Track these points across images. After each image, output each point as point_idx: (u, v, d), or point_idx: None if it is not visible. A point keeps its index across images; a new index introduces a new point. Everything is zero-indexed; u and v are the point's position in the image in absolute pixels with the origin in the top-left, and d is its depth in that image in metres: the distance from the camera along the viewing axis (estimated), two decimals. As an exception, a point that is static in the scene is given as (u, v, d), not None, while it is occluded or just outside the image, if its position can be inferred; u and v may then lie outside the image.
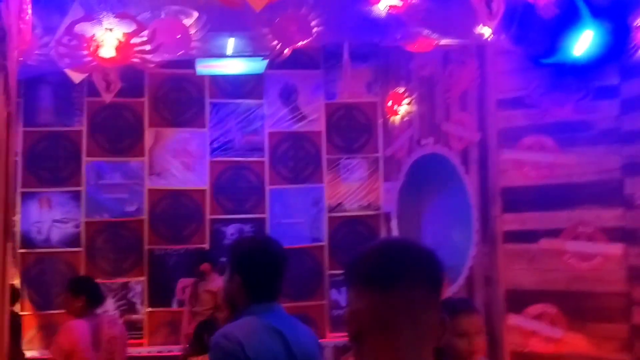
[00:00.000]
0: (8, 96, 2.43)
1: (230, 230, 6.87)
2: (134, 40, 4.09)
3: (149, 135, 6.82)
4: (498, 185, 4.90)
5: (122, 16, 3.96)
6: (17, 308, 5.69)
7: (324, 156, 7.03)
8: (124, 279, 6.65)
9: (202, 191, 6.86)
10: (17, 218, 6.35)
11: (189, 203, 6.83)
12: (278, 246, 2.43)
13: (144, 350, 6.45)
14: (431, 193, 6.18)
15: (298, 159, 7.03)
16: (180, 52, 4.40)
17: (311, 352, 2.35)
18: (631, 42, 4.08)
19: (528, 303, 4.60)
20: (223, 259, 5.36)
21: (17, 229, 6.36)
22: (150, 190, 6.77)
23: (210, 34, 4.38)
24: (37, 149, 6.63)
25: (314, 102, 7.05)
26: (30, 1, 3.17)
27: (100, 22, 3.95)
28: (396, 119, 6.52)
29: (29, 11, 3.19)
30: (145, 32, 4.07)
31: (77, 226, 6.63)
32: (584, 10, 4.00)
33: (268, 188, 6.95)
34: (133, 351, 5.72)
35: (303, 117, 7.05)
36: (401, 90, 6.37)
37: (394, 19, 4.26)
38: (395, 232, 6.49)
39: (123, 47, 4.10)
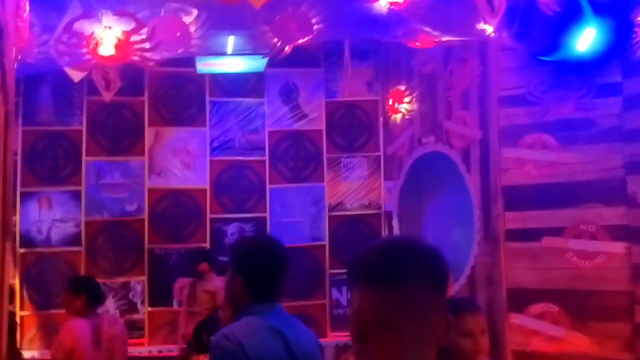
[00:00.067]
0: (6, 94, 2.41)
1: (231, 229, 6.85)
2: (134, 38, 4.08)
3: (149, 134, 6.79)
4: (500, 184, 4.87)
5: (121, 14, 3.94)
6: (13, 307, 5.68)
7: (325, 155, 7.00)
8: (125, 279, 6.62)
9: (203, 190, 6.83)
10: (17, 218, 6.33)
11: (189, 202, 6.81)
12: (280, 246, 2.42)
13: (144, 350, 6.44)
14: (432, 192, 6.15)
15: (298, 157, 7.01)
16: (180, 50, 4.38)
17: (312, 352, 2.34)
18: (634, 39, 4.06)
19: (530, 302, 4.57)
20: (223, 259, 5.37)
21: (17, 228, 6.35)
22: (150, 190, 6.74)
23: (210, 32, 4.36)
24: (36, 148, 6.60)
25: (314, 100, 7.02)
26: (27, -1, 3.16)
27: (99, 20, 3.93)
28: (397, 117, 6.49)
29: (27, 9, 3.17)
30: (145, 30, 4.05)
31: (77, 225, 6.60)
32: (586, 7, 3.98)
33: (268, 187, 6.93)
34: (133, 351, 5.71)
35: (303, 116, 7.02)
36: (402, 88, 6.35)
37: (395, 16, 4.24)
38: (396, 231, 6.46)
39: (122, 45, 4.08)
